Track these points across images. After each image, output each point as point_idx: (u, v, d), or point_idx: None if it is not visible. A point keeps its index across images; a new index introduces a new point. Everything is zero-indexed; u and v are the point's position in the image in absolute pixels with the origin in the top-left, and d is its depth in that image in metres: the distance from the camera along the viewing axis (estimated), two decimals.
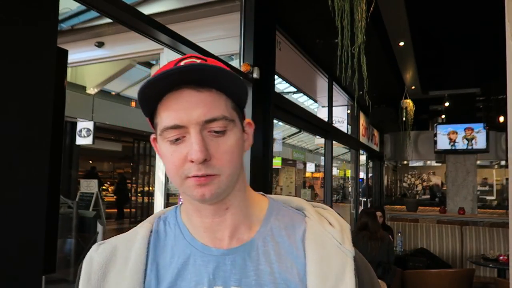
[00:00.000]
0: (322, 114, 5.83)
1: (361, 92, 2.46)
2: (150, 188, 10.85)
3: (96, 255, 0.65)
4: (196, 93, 0.58)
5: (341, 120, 6.86)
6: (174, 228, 0.68)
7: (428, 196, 11.86)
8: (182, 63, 0.60)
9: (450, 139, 7.94)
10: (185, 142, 0.59)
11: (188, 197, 0.62)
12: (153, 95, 0.60)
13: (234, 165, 0.61)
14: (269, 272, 0.61)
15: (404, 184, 7.68)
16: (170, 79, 0.57)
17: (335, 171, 7.91)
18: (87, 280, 0.63)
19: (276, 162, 11.14)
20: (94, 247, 0.68)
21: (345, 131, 6.81)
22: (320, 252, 0.63)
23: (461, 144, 7.90)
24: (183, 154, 0.58)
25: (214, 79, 0.59)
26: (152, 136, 0.67)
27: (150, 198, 10.75)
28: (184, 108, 0.58)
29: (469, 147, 7.84)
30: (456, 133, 7.90)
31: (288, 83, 5.42)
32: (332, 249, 0.63)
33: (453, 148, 7.96)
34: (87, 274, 0.64)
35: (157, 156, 0.74)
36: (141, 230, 0.68)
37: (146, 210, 10.57)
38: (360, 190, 9.20)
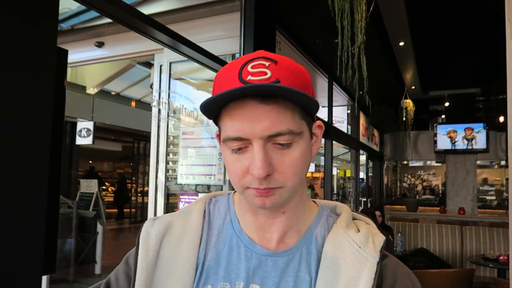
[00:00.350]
0: (322, 114, 5.83)
1: (361, 92, 2.46)
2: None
3: (152, 229, 0.65)
4: (262, 105, 0.54)
5: (341, 120, 6.87)
6: (225, 215, 0.68)
7: (428, 196, 11.87)
8: (249, 67, 0.56)
9: (450, 137, 7.94)
10: (248, 152, 0.56)
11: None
12: (218, 101, 0.56)
13: (298, 177, 0.58)
14: (308, 281, 0.60)
15: (404, 184, 7.67)
16: (236, 94, 0.54)
17: (335, 171, 7.90)
18: (145, 253, 0.63)
19: None
20: (148, 222, 0.67)
21: (345, 131, 6.81)
22: (334, 254, 0.61)
23: (461, 144, 7.90)
24: (245, 165, 0.56)
25: (281, 95, 0.55)
26: (217, 132, 0.65)
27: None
28: (248, 120, 0.54)
29: (469, 147, 7.84)
30: (456, 132, 7.90)
31: None
32: (348, 253, 0.61)
33: (453, 148, 7.96)
34: (145, 247, 0.63)
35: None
36: (196, 208, 0.69)
37: (146, 210, 10.57)
38: (360, 190, 9.20)
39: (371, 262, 0.59)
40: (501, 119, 7.71)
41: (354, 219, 0.69)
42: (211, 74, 3.82)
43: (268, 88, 0.53)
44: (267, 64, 0.56)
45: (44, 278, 4.28)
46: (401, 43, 5.32)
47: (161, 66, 3.84)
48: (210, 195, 0.73)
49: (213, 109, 0.58)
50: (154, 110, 3.77)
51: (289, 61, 0.59)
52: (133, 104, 8.85)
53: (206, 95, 3.95)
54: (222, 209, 0.69)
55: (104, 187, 12.95)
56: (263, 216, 0.63)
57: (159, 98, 3.78)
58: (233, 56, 3.38)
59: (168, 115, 3.71)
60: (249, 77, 0.55)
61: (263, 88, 0.53)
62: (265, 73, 0.55)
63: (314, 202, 0.71)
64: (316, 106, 0.58)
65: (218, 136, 0.63)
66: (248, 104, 0.54)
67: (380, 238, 0.63)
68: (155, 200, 3.86)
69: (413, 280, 0.62)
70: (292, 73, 0.57)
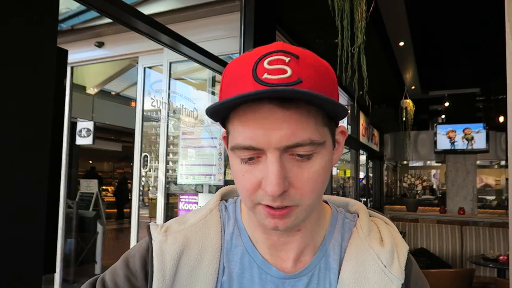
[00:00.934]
0: None
1: (361, 92, 2.46)
2: (150, 188, 10.84)
3: (167, 247, 0.56)
4: (280, 110, 0.45)
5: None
6: (233, 227, 0.60)
7: (428, 196, 11.87)
8: (266, 63, 0.47)
9: (450, 137, 7.94)
10: (260, 164, 0.48)
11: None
12: (227, 106, 0.47)
13: (316, 194, 0.49)
14: None
15: (404, 184, 7.68)
16: (251, 96, 0.44)
17: (334, 171, 7.92)
18: (161, 275, 0.54)
19: None
20: (160, 236, 0.57)
21: None
22: (356, 273, 0.54)
23: (461, 144, 7.90)
24: (256, 179, 0.48)
25: (303, 98, 0.46)
26: (223, 134, 0.56)
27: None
28: (263, 128, 0.45)
29: (469, 147, 7.84)
30: (456, 132, 7.90)
31: None
32: (372, 272, 0.54)
33: (453, 148, 7.96)
34: (161, 268, 0.54)
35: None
36: (213, 220, 0.60)
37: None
38: (360, 190, 9.20)
39: (396, 285, 0.53)
40: (501, 119, 7.71)
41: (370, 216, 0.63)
42: (211, 74, 3.82)
43: (289, 92, 0.44)
44: (287, 59, 0.47)
45: (57, 278, 4.29)
46: (401, 43, 5.32)
47: (145, 68, 3.92)
48: (220, 194, 0.65)
49: (221, 113, 0.50)
50: (139, 108, 3.84)
51: (312, 56, 0.50)
52: (133, 104, 8.85)
53: (206, 95, 3.95)
54: (230, 218, 0.61)
55: (104, 187, 12.96)
56: (276, 235, 0.56)
57: (143, 98, 3.86)
58: (230, 57, 3.38)
59: (168, 115, 3.72)
60: (266, 75, 0.46)
61: (282, 93, 0.44)
62: (285, 71, 0.46)
63: (326, 202, 0.64)
64: (343, 112, 0.49)
65: (225, 139, 0.54)
66: (263, 108, 0.46)
67: (404, 250, 0.57)
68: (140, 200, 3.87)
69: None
70: (316, 71, 0.48)
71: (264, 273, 0.56)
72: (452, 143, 7.94)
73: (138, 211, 3.96)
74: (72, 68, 4.64)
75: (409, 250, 0.58)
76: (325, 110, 0.48)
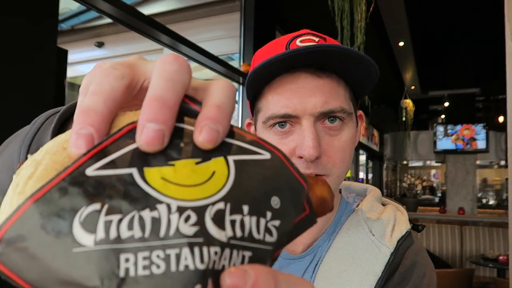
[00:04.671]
0: None
1: None
2: None
3: None
4: (315, 78, 0.50)
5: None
6: None
7: (428, 196, 11.88)
8: (298, 41, 0.52)
9: (450, 137, 7.94)
10: (294, 134, 0.51)
11: None
12: (263, 76, 0.50)
13: (346, 165, 0.53)
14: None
15: (404, 184, 7.68)
16: (288, 62, 0.48)
17: None
18: None
19: None
20: None
21: None
22: (346, 242, 0.56)
23: (460, 144, 7.90)
24: (290, 148, 0.50)
25: (339, 63, 0.50)
26: (248, 121, 0.59)
27: None
28: (298, 95, 0.49)
29: (469, 147, 7.84)
30: (456, 132, 7.91)
31: None
32: (360, 240, 0.55)
33: (453, 148, 7.96)
34: None
35: None
36: None
37: None
38: None
39: (384, 253, 0.53)
40: (501, 119, 7.71)
41: (384, 204, 0.64)
42: (211, 74, 3.82)
43: (333, 48, 0.46)
44: (316, 39, 0.52)
45: None
46: (401, 43, 5.33)
47: None
48: None
49: (258, 84, 0.52)
50: None
51: (336, 41, 0.55)
52: None
53: None
54: None
55: None
56: None
57: None
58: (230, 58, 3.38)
59: None
60: (300, 48, 0.49)
61: (327, 48, 0.46)
62: (316, 42, 0.51)
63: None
64: (370, 84, 0.53)
65: (250, 125, 0.57)
66: (299, 77, 0.49)
67: (403, 227, 0.57)
68: None
69: (427, 272, 0.57)
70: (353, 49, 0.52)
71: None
72: (453, 143, 7.94)
73: None
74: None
75: (409, 230, 0.58)
76: (353, 79, 0.52)
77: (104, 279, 0.17)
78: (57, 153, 0.20)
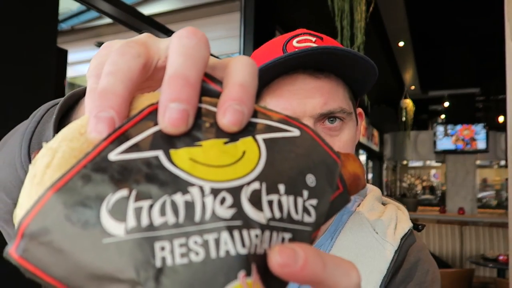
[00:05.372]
0: None
1: None
2: None
3: None
4: (313, 79, 0.50)
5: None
6: None
7: (428, 196, 11.88)
8: (295, 42, 0.52)
9: (450, 137, 7.94)
10: None
11: None
12: (261, 79, 0.51)
13: None
14: None
15: (404, 184, 7.68)
16: (287, 64, 0.48)
17: None
18: None
19: None
20: None
21: None
22: (349, 240, 0.55)
23: (460, 144, 7.90)
24: None
25: (337, 64, 0.50)
26: None
27: None
28: (298, 97, 0.49)
29: (469, 147, 7.84)
30: (456, 132, 7.91)
31: None
32: (364, 238, 0.55)
33: (453, 148, 7.96)
34: None
35: None
36: None
37: None
38: None
39: (389, 250, 0.53)
40: (501, 119, 7.72)
41: (384, 204, 0.64)
42: None
43: (329, 50, 0.46)
44: (313, 39, 0.52)
45: None
46: (401, 43, 5.33)
47: None
48: None
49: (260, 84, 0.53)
50: None
51: (334, 40, 0.55)
52: None
53: None
54: None
55: None
56: None
57: None
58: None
59: None
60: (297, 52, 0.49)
61: (327, 50, 0.46)
62: (313, 43, 0.51)
63: None
64: (369, 84, 0.54)
65: None
66: (297, 78, 0.49)
67: (405, 226, 0.57)
68: None
69: (430, 268, 0.57)
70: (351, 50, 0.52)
71: None
72: (453, 143, 7.94)
73: None
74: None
75: (412, 228, 0.58)
76: (351, 78, 0.52)
77: (139, 270, 0.15)
78: (74, 139, 0.19)
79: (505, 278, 3.96)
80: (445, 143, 8.04)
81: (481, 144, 7.78)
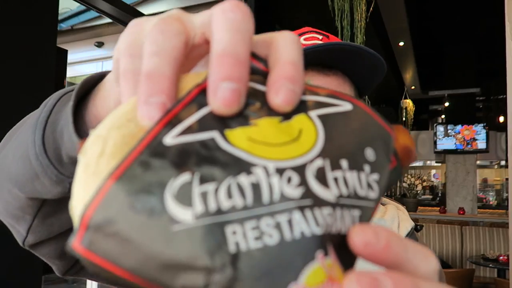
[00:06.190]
0: None
1: None
2: None
3: None
4: (322, 76, 0.50)
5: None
6: None
7: (428, 196, 11.88)
8: (302, 39, 0.52)
9: (450, 137, 7.94)
10: None
11: None
12: None
13: None
14: None
15: (404, 184, 7.68)
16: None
17: None
18: None
19: None
20: None
21: None
22: None
23: (461, 144, 7.90)
24: None
25: (346, 61, 0.50)
26: None
27: None
28: None
29: (469, 147, 7.84)
30: (456, 132, 7.91)
31: None
32: None
33: (453, 148, 7.96)
34: None
35: None
36: None
37: None
38: None
39: None
40: (501, 119, 7.72)
41: (384, 204, 0.64)
42: None
43: (344, 45, 0.47)
44: (320, 37, 0.53)
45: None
46: (401, 43, 5.33)
47: None
48: None
49: None
50: None
51: (339, 39, 0.56)
52: None
53: None
54: None
55: None
56: None
57: None
58: None
59: None
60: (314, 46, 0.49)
61: (341, 45, 0.47)
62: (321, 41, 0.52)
63: None
64: (376, 82, 0.54)
65: None
66: (307, 75, 0.49)
67: (408, 225, 0.58)
68: None
69: None
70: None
71: None
72: (453, 143, 7.94)
73: None
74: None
75: (413, 226, 0.59)
76: (358, 76, 0.52)
77: (214, 256, 0.15)
78: (123, 126, 0.18)
79: (505, 278, 3.96)
80: (445, 143, 8.03)
81: (481, 144, 7.78)
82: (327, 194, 0.17)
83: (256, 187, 0.16)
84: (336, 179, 0.17)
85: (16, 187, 0.33)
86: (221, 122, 0.17)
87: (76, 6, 4.08)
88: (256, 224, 0.15)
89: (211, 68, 0.18)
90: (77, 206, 0.17)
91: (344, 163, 0.18)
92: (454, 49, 5.87)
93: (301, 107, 0.19)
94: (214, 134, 0.17)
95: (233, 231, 0.15)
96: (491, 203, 11.69)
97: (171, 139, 0.16)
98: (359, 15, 2.34)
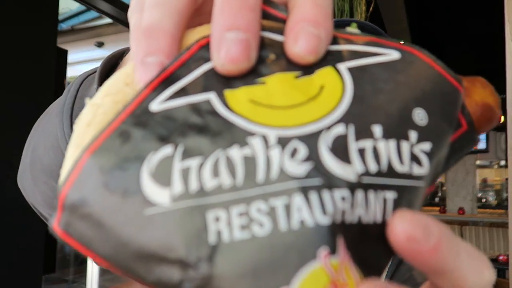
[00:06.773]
0: None
1: None
2: None
3: None
4: None
5: None
6: None
7: (428, 196, 11.86)
8: None
9: None
10: None
11: None
12: None
13: None
14: None
15: None
16: None
17: None
18: None
19: None
20: None
21: None
22: None
23: None
24: None
25: None
26: None
27: None
28: None
29: None
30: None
31: None
32: None
33: None
34: None
35: None
36: None
37: None
38: None
39: None
40: (501, 119, 7.71)
41: None
42: None
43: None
44: None
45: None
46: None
47: None
48: None
49: None
50: None
51: None
52: None
53: None
54: None
55: None
56: None
57: None
58: None
59: None
60: None
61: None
62: None
63: None
64: None
65: None
66: None
67: None
68: None
69: None
70: None
71: None
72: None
73: None
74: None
75: None
76: None
77: (190, 247, 0.12)
78: (119, 92, 0.15)
79: (505, 278, 3.96)
80: None
81: (481, 144, 7.78)
82: (345, 171, 0.13)
83: (249, 162, 0.13)
84: (361, 151, 0.14)
85: (51, 178, 0.32)
86: (223, 80, 0.14)
87: (76, 6, 4.08)
88: (245, 209, 0.12)
89: (214, 16, 0.15)
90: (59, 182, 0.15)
91: (377, 129, 0.14)
92: (454, 49, 5.87)
93: (329, 59, 0.15)
94: (210, 96, 0.14)
95: (215, 217, 0.12)
96: (491, 203, 11.69)
97: (159, 104, 0.14)
98: (359, 15, 2.34)
